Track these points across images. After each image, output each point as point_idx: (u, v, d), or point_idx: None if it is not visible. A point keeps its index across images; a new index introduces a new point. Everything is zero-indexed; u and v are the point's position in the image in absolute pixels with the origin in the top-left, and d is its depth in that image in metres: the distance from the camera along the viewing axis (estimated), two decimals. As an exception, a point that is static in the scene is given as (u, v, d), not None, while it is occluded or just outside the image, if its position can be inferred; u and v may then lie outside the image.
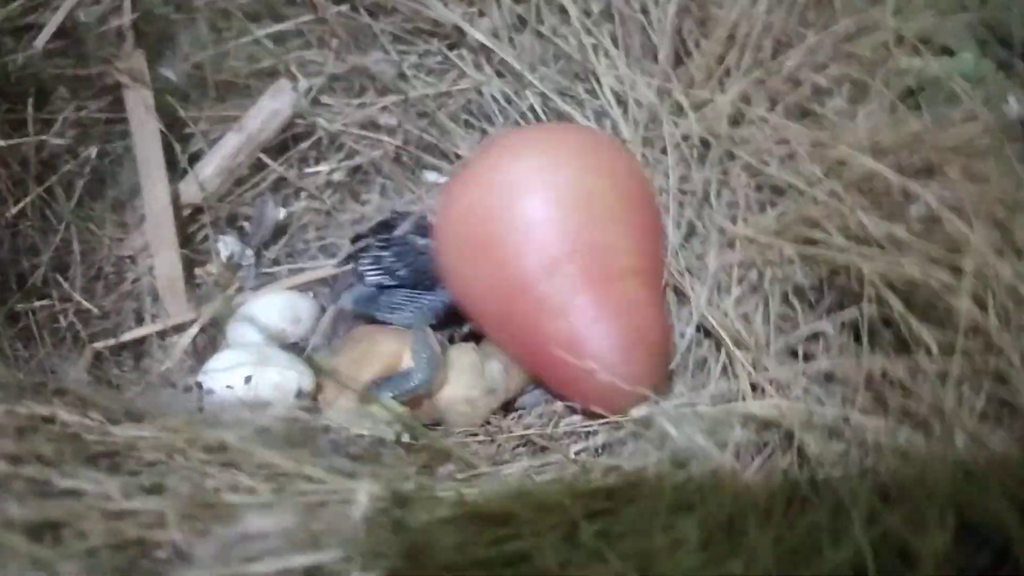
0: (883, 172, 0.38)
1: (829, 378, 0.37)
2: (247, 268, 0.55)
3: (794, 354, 0.39)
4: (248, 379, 0.40)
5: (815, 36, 0.45)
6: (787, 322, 0.41)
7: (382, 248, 0.49)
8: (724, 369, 0.41)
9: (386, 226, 0.52)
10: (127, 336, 0.48)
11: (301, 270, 0.55)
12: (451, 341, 0.46)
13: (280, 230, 0.57)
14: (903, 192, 0.38)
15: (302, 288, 0.53)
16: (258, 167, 0.55)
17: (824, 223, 0.39)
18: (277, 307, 0.48)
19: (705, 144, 0.45)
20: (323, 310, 0.50)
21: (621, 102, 0.49)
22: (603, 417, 0.40)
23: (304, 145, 0.56)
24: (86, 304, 0.47)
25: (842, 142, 0.40)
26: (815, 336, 0.40)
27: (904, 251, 0.37)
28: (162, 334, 0.50)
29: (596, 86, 0.51)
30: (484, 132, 0.55)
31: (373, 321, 0.48)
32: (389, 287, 0.48)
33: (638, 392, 0.37)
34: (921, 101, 0.44)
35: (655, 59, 0.49)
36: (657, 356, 0.41)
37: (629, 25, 0.50)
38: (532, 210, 0.40)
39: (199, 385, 0.41)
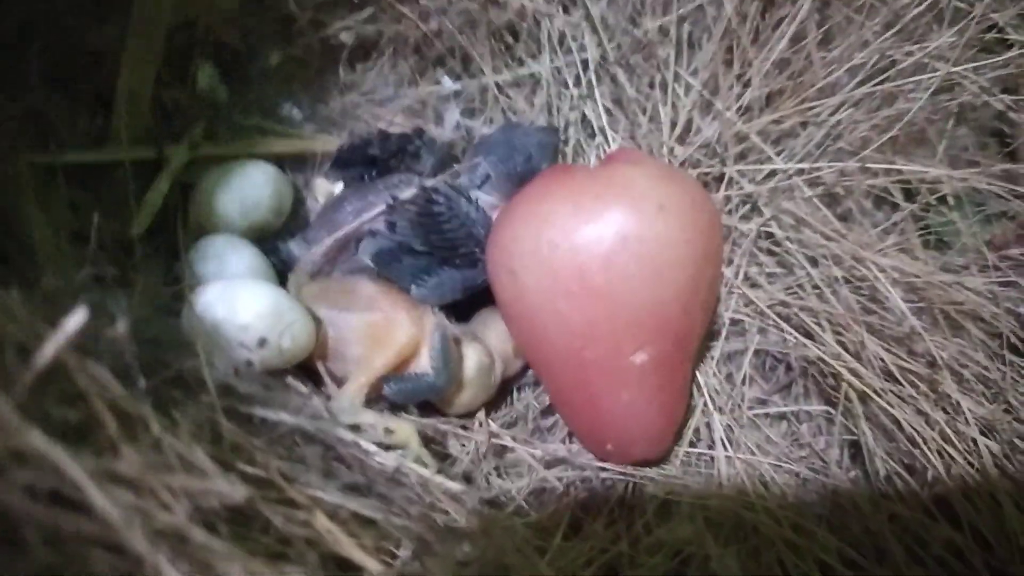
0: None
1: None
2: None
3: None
4: (263, 342, 0.37)
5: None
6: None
7: (425, 205, 0.43)
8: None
9: (406, 144, 0.47)
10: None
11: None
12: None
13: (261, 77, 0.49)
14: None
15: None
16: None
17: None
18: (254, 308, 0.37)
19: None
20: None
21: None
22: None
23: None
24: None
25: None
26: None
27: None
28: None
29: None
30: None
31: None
32: (416, 251, 0.44)
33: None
34: None
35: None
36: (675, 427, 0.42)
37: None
38: (607, 269, 0.37)
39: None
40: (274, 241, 0.45)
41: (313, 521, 0.26)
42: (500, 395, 0.45)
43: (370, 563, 0.25)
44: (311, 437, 0.33)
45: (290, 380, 0.40)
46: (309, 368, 0.41)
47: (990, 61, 0.45)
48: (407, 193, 0.44)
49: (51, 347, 0.23)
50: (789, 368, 0.47)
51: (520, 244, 0.38)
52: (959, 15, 0.45)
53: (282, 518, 0.26)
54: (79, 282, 0.30)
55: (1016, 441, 0.41)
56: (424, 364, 0.40)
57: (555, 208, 0.38)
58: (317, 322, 0.40)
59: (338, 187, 0.48)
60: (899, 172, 0.45)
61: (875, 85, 0.46)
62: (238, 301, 0.37)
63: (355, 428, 0.36)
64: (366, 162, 0.47)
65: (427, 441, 0.40)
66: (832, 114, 0.46)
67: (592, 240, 0.37)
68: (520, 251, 0.38)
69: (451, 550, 0.29)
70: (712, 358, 0.46)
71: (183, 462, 0.24)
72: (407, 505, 0.31)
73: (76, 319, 0.23)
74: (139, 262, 0.40)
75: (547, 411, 0.46)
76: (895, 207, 0.47)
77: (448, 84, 0.51)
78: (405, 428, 0.38)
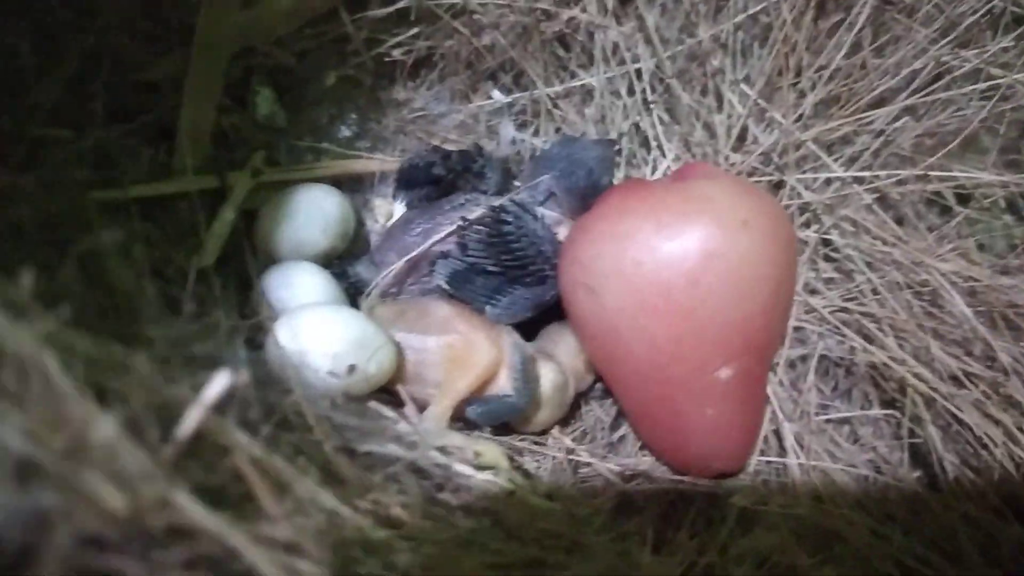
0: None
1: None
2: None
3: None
4: (352, 369, 0.37)
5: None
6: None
7: (495, 224, 0.43)
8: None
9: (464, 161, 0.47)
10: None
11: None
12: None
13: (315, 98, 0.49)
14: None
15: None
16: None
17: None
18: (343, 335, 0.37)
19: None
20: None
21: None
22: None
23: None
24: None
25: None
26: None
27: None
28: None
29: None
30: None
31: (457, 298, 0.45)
32: (488, 272, 0.44)
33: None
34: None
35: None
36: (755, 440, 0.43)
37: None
38: (692, 286, 0.38)
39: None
40: (342, 265, 0.46)
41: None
42: (570, 410, 0.46)
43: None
44: (410, 464, 0.34)
45: (373, 404, 0.40)
46: (387, 391, 0.42)
47: (1046, 66, 0.45)
48: (476, 213, 0.44)
49: (196, 414, 0.23)
50: (849, 373, 0.48)
51: (601, 262, 0.39)
52: (1016, 21, 0.45)
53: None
54: (187, 333, 0.30)
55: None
56: (503, 385, 0.41)
57: (637, 225, 0.38)
58: (396, 345, 0.41)
59: (398, 207, 0.48)
60: (954, 178, 0.46)
61: (930, 92, 0.46)
62: (325, 328, 0.37)
63: (443, 451, 0.37)
64: (430, 181, 0.47)
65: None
66: (888, 122, 0.47)
67: (677, 257, 0.37)
68: (601, 269, 0.39)
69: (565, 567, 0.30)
70: (777, 365, 0.47)
71: (324, 512, 0.25)
72: (511, 527, 0.32)
73: (219, 383, 0.23)
74: (218, 295, 0.40)
75: (615, 424, 0.47)
76: (949, 211, 0.48)
77: (500, 97, 0.51)
78: (494, 449, 0.38)
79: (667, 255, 0.38)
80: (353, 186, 0.50)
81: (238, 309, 0.43)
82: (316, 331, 0.37)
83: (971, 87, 0.45)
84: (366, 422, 0.34)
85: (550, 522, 0.35)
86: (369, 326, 0.39)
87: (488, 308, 0.43)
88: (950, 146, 0.45)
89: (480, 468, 0.38)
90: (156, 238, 0.44)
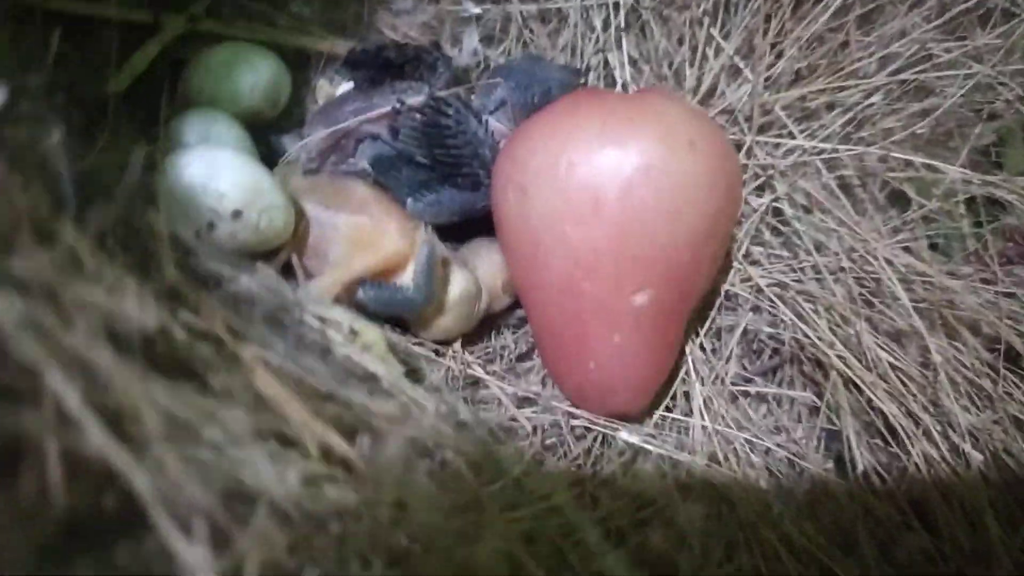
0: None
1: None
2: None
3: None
4: (238, 215, 0.34)
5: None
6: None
7: (433, 115, 0.41)
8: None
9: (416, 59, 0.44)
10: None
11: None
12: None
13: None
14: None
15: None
16: None
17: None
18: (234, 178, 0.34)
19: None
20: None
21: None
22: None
23: None
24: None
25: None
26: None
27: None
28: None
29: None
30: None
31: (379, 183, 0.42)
32: (417, 163, 0.41)
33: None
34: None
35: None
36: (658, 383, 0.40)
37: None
38: (624, 197, 0.35)
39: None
40: (265, 132, 0.43)
41: (255, 380, 0.23)
42: (481, 331, 0.43)
43: (316, 429, 0.22)
44: (273, 317, 0.31)
45: (260, 264, 0.37)
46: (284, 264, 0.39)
47: (1029, 68, 0.44)
48: (416, 100, 0.41)
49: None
50: (777, 352, 0.45)
51: (536, 159, 0.36)
52: (1006, 17, 0.43)
53: (221, 373, 0.23)
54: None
55: (1002, 454, 0.40)
56: (407, 281, 0.38)
57: (581, 125, 0.35)
58: (300, 214, 0.38)
59: (342, 89, 0.45)
60: (918, 168, 0.44)
61: (907, 78, 0.45)
62: (218, 167, 0.34)
63: (321, 320, 0.34)
64: (379, 65, 0.44)
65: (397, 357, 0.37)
66: (861, 99, 0.45)
67: (614, 164, 0.35)
68: (535, 166, 0.36)
69: (412, 452, 0.26)
70: (702, 329, 0.44)
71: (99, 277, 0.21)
72: (368, 400, 0.29)
73: None
74: (112, 120, 0.37)
75: (525, 356, 0.44)
76: (908, 203, 0.46)
77: (471, 7, 0.49)
78: (373, 331, 0.35)
79: (604, 160, 0.35)
80: (300, 64, 0.47)
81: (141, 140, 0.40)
82: (206, 168, 0.34)
83: (951, 75, 0.44)
84: (233, 262, 0.31)
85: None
86: (267, 180, 0.36)
87: (410, 201, 0.40)
88: (914, 128, 0.43)
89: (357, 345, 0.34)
90: (74, 61, 0.41)
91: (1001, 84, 0.44)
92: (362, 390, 0.28)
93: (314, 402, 0.23)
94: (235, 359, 0.23)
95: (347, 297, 0.37)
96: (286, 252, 0.38)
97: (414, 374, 0.37)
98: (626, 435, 0.37)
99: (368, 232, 0.38)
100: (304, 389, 0.24)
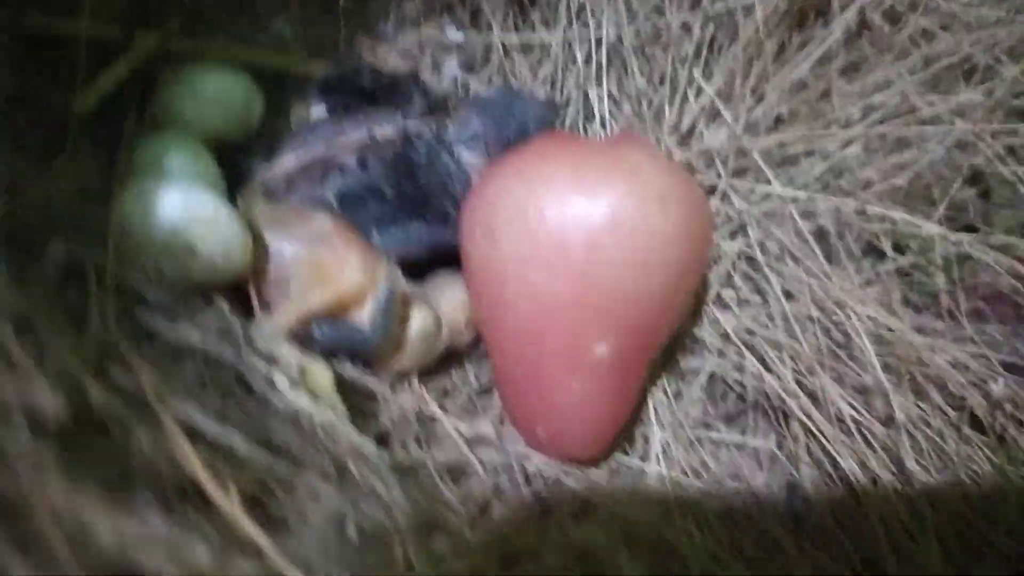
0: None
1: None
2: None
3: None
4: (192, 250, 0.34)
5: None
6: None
7: (404, 148, 0.40)
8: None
9: (393, 87, 0.44)
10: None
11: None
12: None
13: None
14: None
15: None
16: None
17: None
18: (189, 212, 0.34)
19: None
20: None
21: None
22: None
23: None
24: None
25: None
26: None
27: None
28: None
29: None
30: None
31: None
32: (384, 199, 0.41)
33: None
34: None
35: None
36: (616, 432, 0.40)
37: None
38: (591, 248, 0.35)
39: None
40: (234, 155, 0.42)
41: (174, 447, 0.22)
42: (441, 365, 0.43)
43: (225, 502, 0.22)
44: (214, 363, 0.30)
45: (218, 301, 0.36)
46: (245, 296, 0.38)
47: (1010, 127, 0.43)
48: (387, 131, 0.41)
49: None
50: (742, 399, 0.45)
51: (506, 201, 0.36)
52: (990, 74, 0.43)
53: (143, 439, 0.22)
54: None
55: (958, 515, 0.39)
56: (363, 319, 0.38)
57: (553, 173, 0.35)
58: (260, 244, 0.37)
59: (315, 113, 0.45)
60: (894, 222, 0.44)
61: (890, 127, 0.44)
62: (175, 199, 0.34)
63: (271, 361, 0.33)
64: (353, 92, 0.44)
65: (350, 395, 0.37)
66: (840, 148, 0.45)
67: (582, 214, 0.34)
68: (504, 209, 0.36)
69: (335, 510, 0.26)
70: (665, 373, 0.44)
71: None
72: (302, 453, 0.28)
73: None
74: (72, 143, 0.37)
75: (486, 392, 0.43)
76: (882, 257, 0.45)
77: (453, 35, 0.48)
78: (323, 373, 0.35)
79: (574, 211, 0.35)
80: (277, 85, 0.47)
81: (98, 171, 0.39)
82: (163, 199, 0.34)
83: (932, 129, 0.43)
84: (180, 305, 0.31)
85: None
86: (225, 212, 0.35)
87: (375, 235, 0.40)
88: (893, 181, 0.42)
89: (302, 388, 0.34)
90: (40, 78, 0.40)
91: (981, 141, 0.43)
92: (297, 442, 0.28)
93: (235, 469, 0.23)
94: (156, 423, 0.23)
95: (303, 331, 0.37)
96: (245, 284, 0.37)
97: (362, 416, 0.37)
98: (574, 483, 0.37)
99: (328, 265, 0.38)
100: (226, 454, 0.23)
